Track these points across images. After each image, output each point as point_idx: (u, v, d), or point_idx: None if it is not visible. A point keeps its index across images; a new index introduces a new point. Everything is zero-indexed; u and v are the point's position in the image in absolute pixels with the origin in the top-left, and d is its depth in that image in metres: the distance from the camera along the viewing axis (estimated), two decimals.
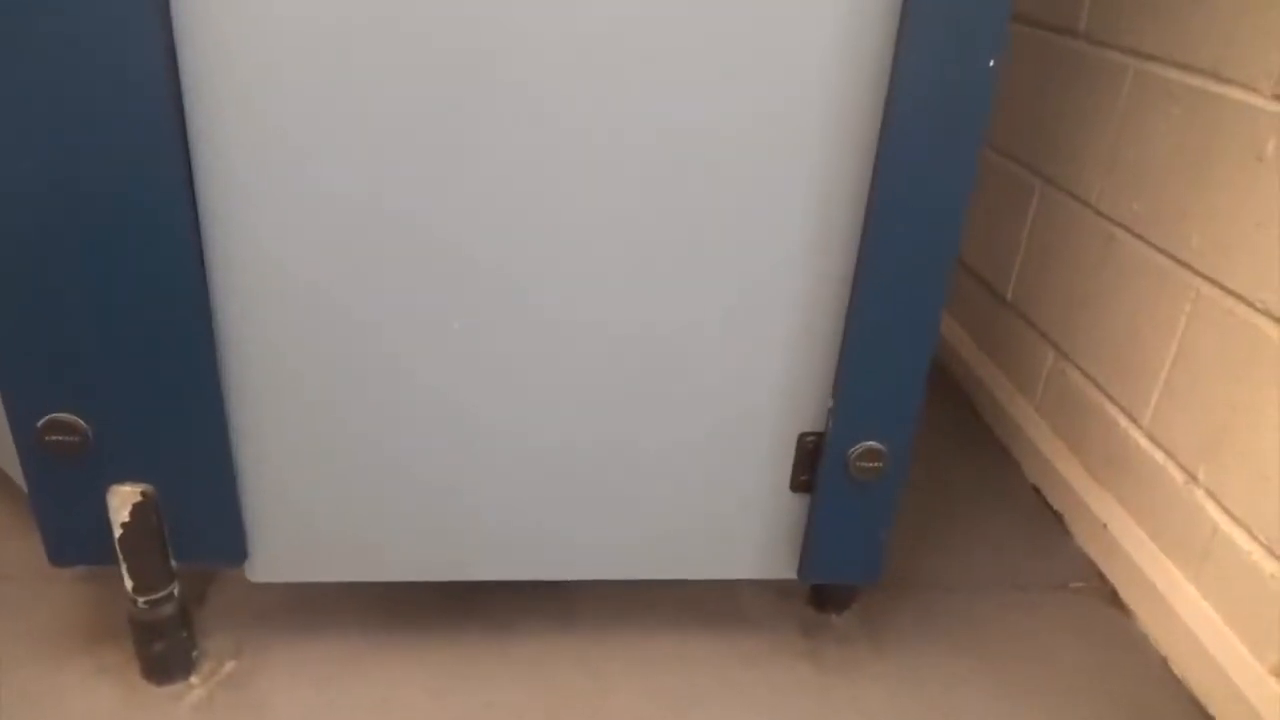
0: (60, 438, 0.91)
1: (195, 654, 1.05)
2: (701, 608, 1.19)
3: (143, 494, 0.94)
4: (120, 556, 0.96)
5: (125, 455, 0.93)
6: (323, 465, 0.99)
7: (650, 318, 0.95)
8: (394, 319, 0.92)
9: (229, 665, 1.06)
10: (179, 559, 0.99)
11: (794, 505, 1.07)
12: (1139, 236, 1.29)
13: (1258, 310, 1.08)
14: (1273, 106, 1.07)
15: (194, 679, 1.03)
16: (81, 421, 0.91)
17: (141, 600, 0.99)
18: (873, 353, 0.97)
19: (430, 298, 0.91)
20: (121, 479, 0.94)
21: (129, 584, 0.97)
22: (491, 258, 0.90)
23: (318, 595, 1.16)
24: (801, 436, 1.03)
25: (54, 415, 0.90)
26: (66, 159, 0.81)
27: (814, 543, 1.09)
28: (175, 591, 1.00)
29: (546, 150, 0.86)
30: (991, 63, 0.84)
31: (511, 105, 0.84)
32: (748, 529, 1.08)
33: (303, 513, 1.01)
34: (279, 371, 0.93)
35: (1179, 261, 1.21)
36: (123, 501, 0.93)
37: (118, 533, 0.94)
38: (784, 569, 1.10)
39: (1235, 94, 1.13)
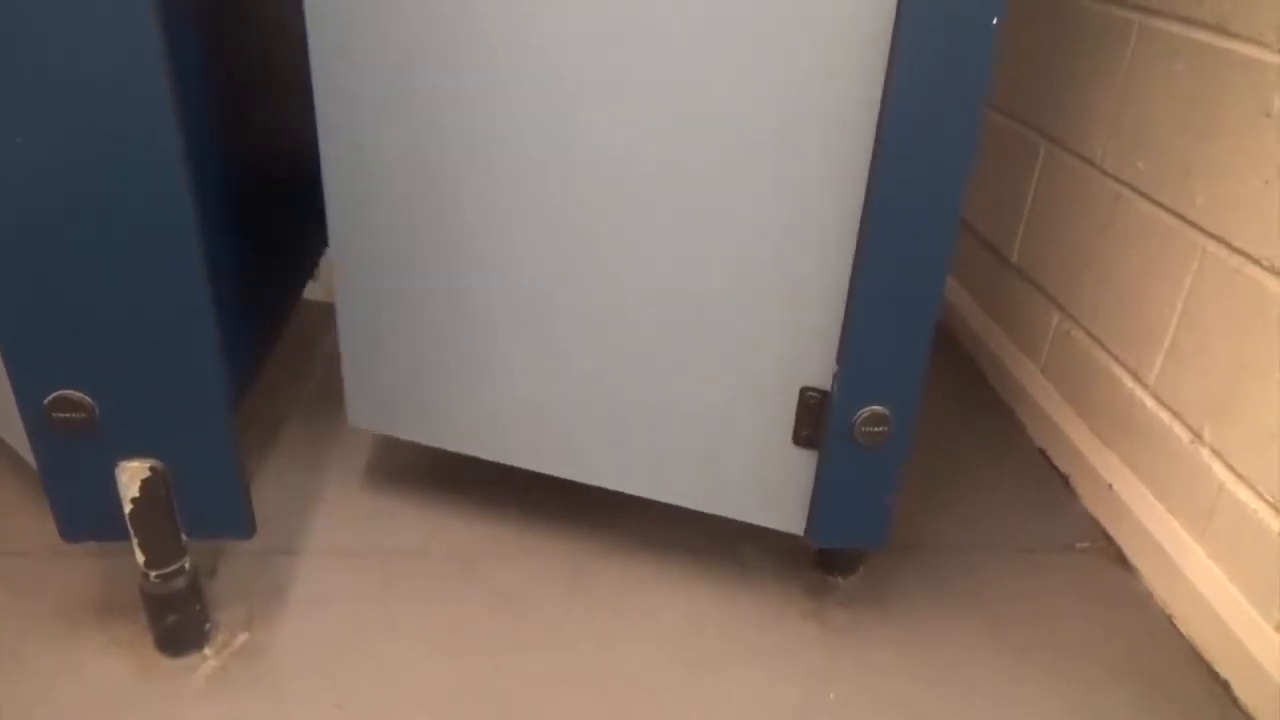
0: (67, 415, 0.91)
1: (208, 626, 1.06)
2: (710, 573, 1.20)
3: (151, 469, 0.94)
4: (131, 531, 0.96)
5: (133, 431, 0.94)
6: (404, 342, 1.14)
7: (675, 261, 1.02)
8: (474, 217, 1.05)
9: (241, 637, 1.07)
10: (189, 533, 1.00)
11: (798, 460, 1.07)
12: (1144, 195, 1.28)
13: (1264, 268, 1.08)
14: (1279, 60, 1.06)
15: (207, 651, 1.05)
16: (88, 398, 0.91)
17: (153, 574, 0.99)
18: (877, 317, 0.97)
19: (508, 203, 1.03)
20: (130, 454, 0.94)
21: (140, 558, 0.98)
22: (564, 193, 1.01)
23: (328, 567, 1.17)
24: (803, 390, 1.03)
25: (60, 392, 0.90)
26: (63, 132, 0.80)
27: (820, 507, 1.09)
28: (187, 565, 1.01)
29: (610, 86, 0.96)
30: (994, 21, 0.82)
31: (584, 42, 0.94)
32: (755, 475, 1.10)
33: (386, 382, 1.18)
34: (377, 254, 1.10)
35: (1185, 220, 1.20)
36: (132, 477, 0.94)
37: (128, 508, 0.95)
38: (790, 523, 1.10)
39: (1241, 48, 1.11)
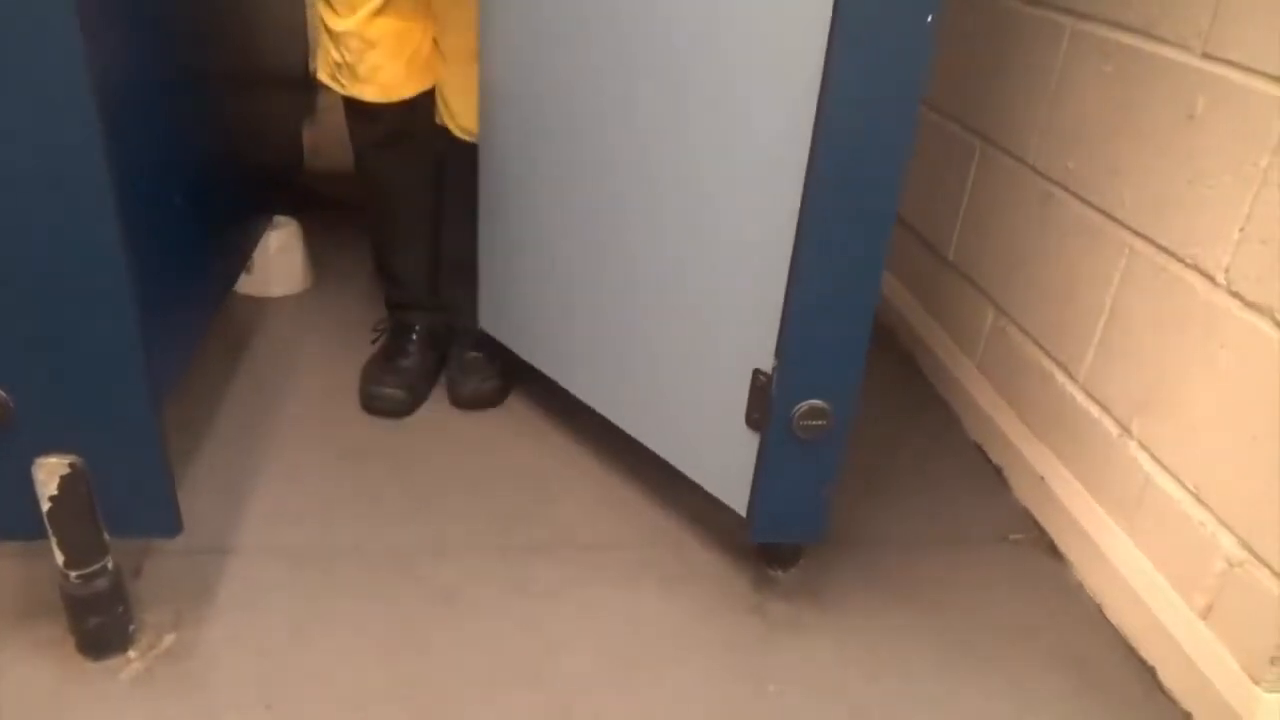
0: None
1: (132, 628, 1.02)
2: (653, 568, 1.20)
3: (70, 465, 0.91)
4: (50, 530, 0.93)
5: (50, 426, 0.90)
6: (517, 260, 1.36)
7: (672, 237, 1.13)
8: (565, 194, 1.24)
9: (168, 638, 1.03)
10: (112, 531, 0.96)
11: (748, 442, 1.08)
12: (1074, 194, 1.31)
13: (1187, 266, 1.11)
14: (1202, 65, 1.09)
15: (132, 653, 1.01)
16: (2, 393, 0.88)
17: (74, 575, 0.96)
18: (814, 312, 0.97)
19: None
20: (49, 450, 0.91)
21: (60, 558, 0.95)
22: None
23: (259, 566, 1.14)
24: (755, 373, 1.03)
25: None
26: None
27: (760, 502, 1.09)
28: (109, 565, 0.98)
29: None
30: (929, 19, 0.83)
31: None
32: (715, 446, 1.13)
33: (503, 291, 1.42)
34: (507, 181, 1.32)
35: (1112, 219, 1.24)
36: (50, 474, 0.90)
37: (46, 506, 0.91)
38: (739, 502, 1.12)
39: (1166, 52, 1.14)
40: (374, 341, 1.56)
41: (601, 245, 1.22)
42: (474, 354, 1.50)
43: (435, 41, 1.33)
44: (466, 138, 1.37)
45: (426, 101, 1.37)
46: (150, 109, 1.05)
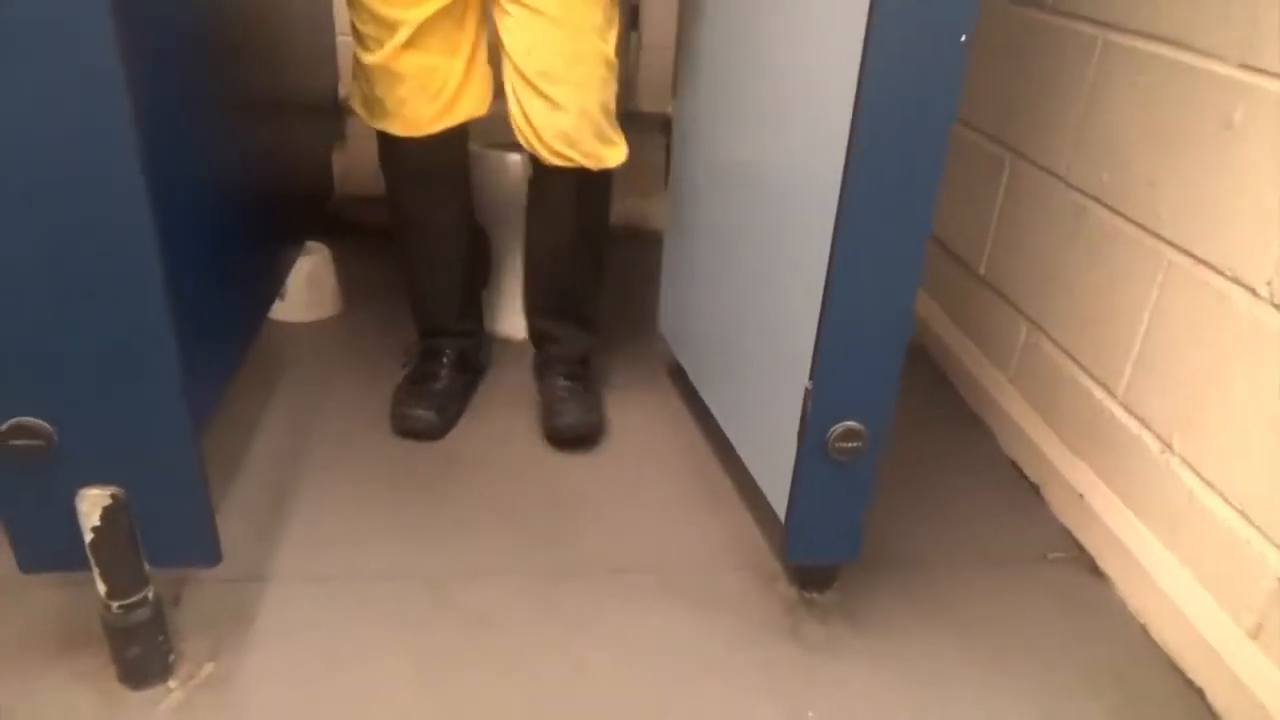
0: (24, 442, 0.89)
1: (172, 657, 1.03)
2: (684, 593, 1.19)
3: (112, 497, 0.91)
4: (92, 561, 0.94)
5: (92, 458, 0.91)
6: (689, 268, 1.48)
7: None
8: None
9: (207, 668, 1.04)
10: (152, 562, 0.97)
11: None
12: (1109, 208, 1.30)
13: (1228, 279, 1.09)
14: (1239, 75, 1.07)
15: (172, 683, 1.02)
16: (46, 425, 0.89)
17: (115, 605, 0.97)
18: (849, 334, 0.97)
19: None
20: (91, 481, 0.92)
21: (102, 589, 0.96)
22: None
23: (297, 594, 1.15)
24: (806, 391, 1.03)
25: (17, 420, 0.88)
26: (26, 153, 0.79)
27: (795, 523, 1.09)
28: (150, 595, 0.98)
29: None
30: (963, 38, 0.83)
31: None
32: (781, 461, 1.11)
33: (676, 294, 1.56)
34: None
35: (1149, 232, 1.22)
36: (92, 505, 0.91)
37: (88, 537, 0.92)
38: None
39: (1202, 63, 1.13)
40: (404, 366, 1.57)
41: (732, 248, 1.30)
42: (568, 383, 1.47)
43: (514, 69, 1.27)
44: (559, 161, 1.31)
45: (457, 137, 1.36)
46: (188, 139, 1.07)
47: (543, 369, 1.53)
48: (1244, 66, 1.07)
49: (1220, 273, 1.10)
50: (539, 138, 1.29)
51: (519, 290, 1.76)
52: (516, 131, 1.32)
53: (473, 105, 1.33)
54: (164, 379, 0.90)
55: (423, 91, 1.28)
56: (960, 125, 1.69)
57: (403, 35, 1.23)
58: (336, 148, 2.08)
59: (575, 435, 1.44)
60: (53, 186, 0.80)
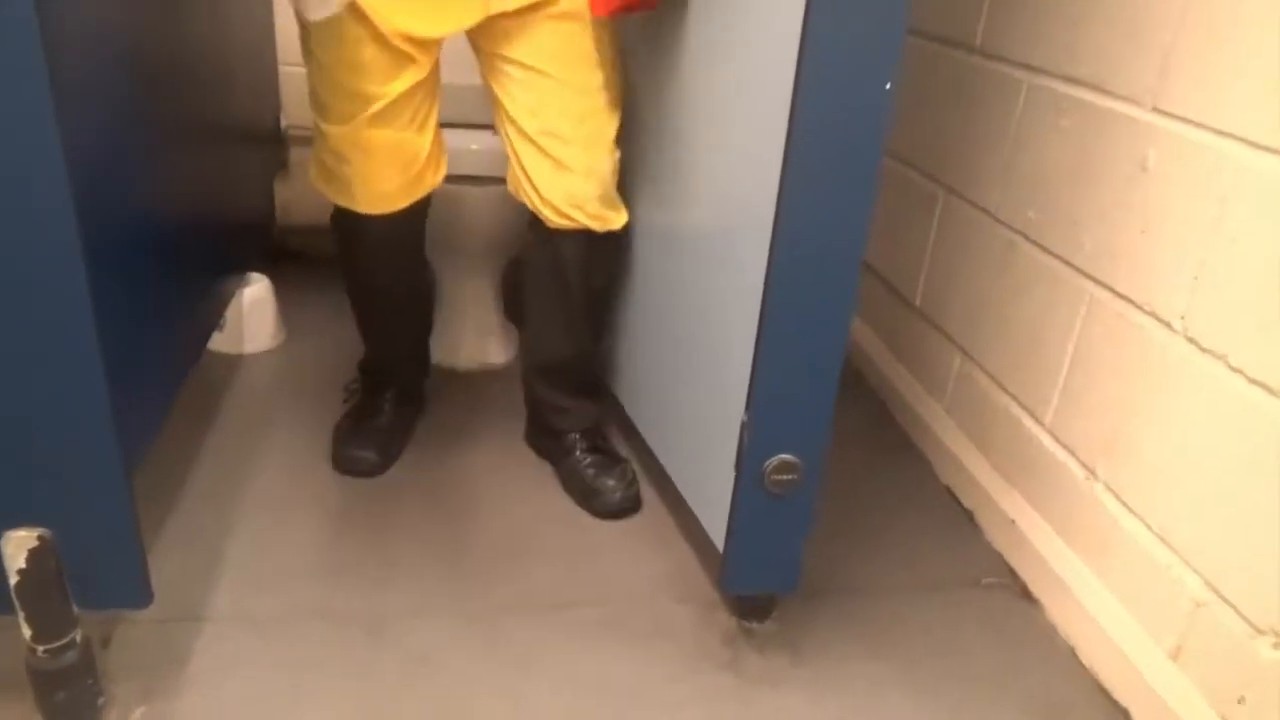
0: None
1: (101, 701, 1.01)
2: (625, 627, 1.19)
3: (39, 539, 0.90)
4: (17, 605, 0.92)
5: (19, 497, 0.89)
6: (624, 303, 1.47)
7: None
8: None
9: (138, 712, 1.02)
10: (81, 604, 0.95)
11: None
12: (1035, 243, 1.34)
13: (1145, 313, 1.13)
14: (1152, 118, 1.12)
15: None
16: None
17: (41, 649, 0.94)
18: (783, 368, 0.99)
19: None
20: (16, 522, 0.90)
21: (27, 632, 0.93)
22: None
23: (232, 634, 1.13)
24: (743, 424, 1.04)
25: None
26: None
27: (733, 554, 1.10)
28: (77, 638, 0.96)
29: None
30: (888, 86, 0.86)
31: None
32: (718, 488, 1.12)
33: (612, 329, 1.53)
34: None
35: (1073, 267, 1.26)
36: (18, 547, 0.89)
37: (13, 580, 0.90)
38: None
39: (1118, 106, 1.18)
40: (345, 401, 1.56)
41: (667, 283, 1.32)
42: (595, 457, 1.42)
43: (517, 129, 1.24)
44: (564, 223, 1.27)
45: (419, 206, 1.32)
46: (121, 168, 1.05)
47: (552, 442, 1.47)
48: (1156, 110, 1.12)
49: (1139, 307, 1.15)
50: (543, 199, 1.26)
51: (463, 320, 1.76)
52: (518, 192, 1.29)
53: (435, 176, 1.30)
54: (94, 416, 0.88)
55: (391, 165, 1.23)
56: (895, 161, 1.74)
57: (374, 109, 1.18)
58: (279, 177, 2.07)
59: (622, 513, 1.39)
60: None
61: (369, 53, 1.15)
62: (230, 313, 1.72)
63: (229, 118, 1.67)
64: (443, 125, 1.60)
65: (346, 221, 1.31)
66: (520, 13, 1.17)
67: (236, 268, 1.73)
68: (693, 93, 1.17)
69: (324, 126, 1.22)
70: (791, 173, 0.91)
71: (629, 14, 1.16)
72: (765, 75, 0.95)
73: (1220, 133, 1.03)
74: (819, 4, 0.84)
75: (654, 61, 1.27)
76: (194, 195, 1.41)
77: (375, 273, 1.39)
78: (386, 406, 1.49)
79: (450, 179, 1.57)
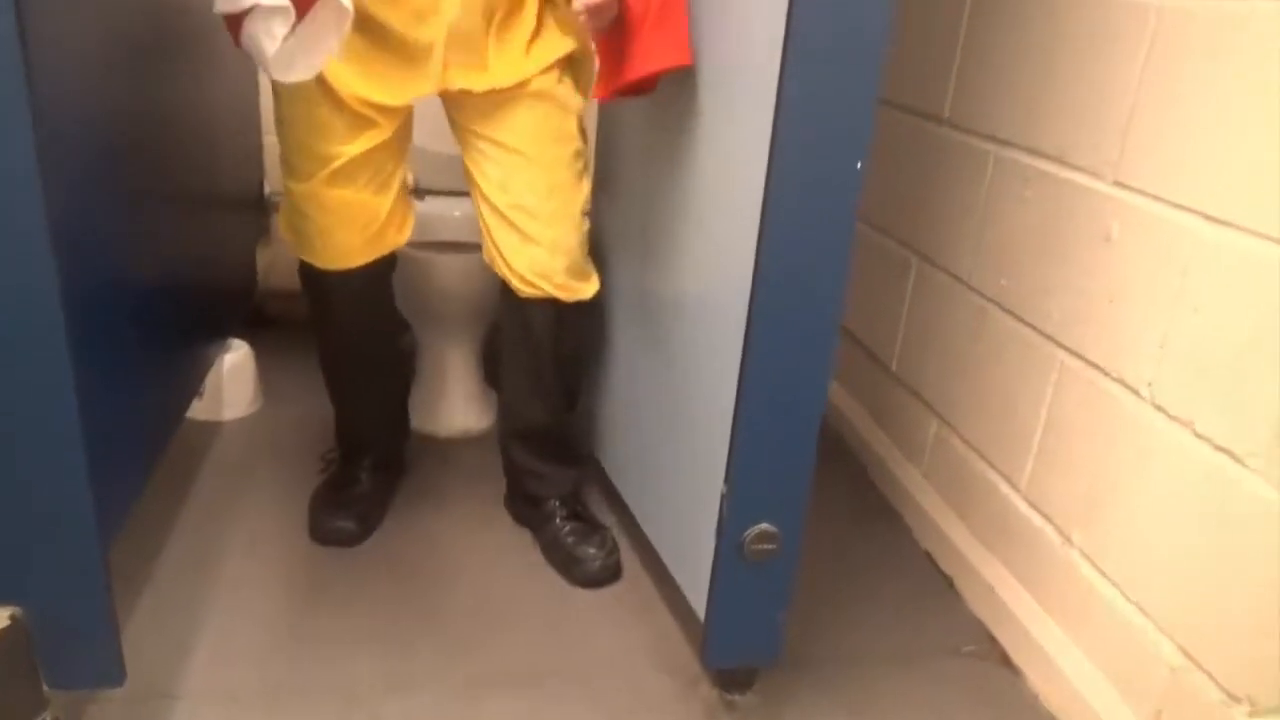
0: None
1: None
2: (605, 699, 1.18)
3: (11, 618, 0.89)
4: None
5: None
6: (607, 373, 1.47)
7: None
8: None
9: None
10: (52, 683, 0.94)
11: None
12: (1007, 311, 1.37)
13: (1114, 380, 1.16)
14: (1114, 191, 1.16)
15: None
16: None
17: None
18: (761, 440, 1.00)
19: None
20: None
21: None
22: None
23: (208, 713, 1.11)
24: (723, 495, 1.05)
25: None
26: None
27: (715, 626, 1.10)
28: (48, 718, 0.95)
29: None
30: (859, 165, 0.89)
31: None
32: (701, 555, 1.11)
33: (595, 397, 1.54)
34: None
35: (1043, 334, 1.29)
36: None
37: None
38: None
39: (1080, 179, 1.22)
40: (322, 470, 1.55)
41: (648, 355, 1.33)
42: (574, 524, 1.42)
43: (488, 203, 1.27)
44: (532, 292, 1.29)
45: (383, 264, 1.34)
46: (106, 235, 1.05)
47: (531, 510, 1.47)
48: (1117, 184, 1.15)
49: (1107, 374, 1.17)
50: (511, 269, 1.29)
51: (444, 386, 1.77)
52: (491, 261, 1.32)
53: (397, 235, 1.33)
54: (72, 494, 0.88)
55: (351, 224, 1.27)
56: (870, 228, 1.77)
57: (332, 167, 1.22)
58: (261, 243, 2.09)
59: (603, 581, 1.39)
60: None
61: (327, 114, 1.20)
62: (210, 379, 1.71)
63: (213, 185, 1.69)
64: (426, 192, 1.62)
65: (312, 275, 1.34)
66: (488, 92, 1.21)
67: (217, 334, 1.74)
68: (673, 164, 1.20)
69: (288, 183, 1.27)
70: (767, 244, 0.93)
71: (627, 98, 1.18)
72: (742, 151, 0.97)
73: (1179, 206, 1.06)
74: (793, 86, 0.87)
75: (637, 132, 1.31)
76: (178, 263, 1.42)
77: (342, 330, 1.40)
78: (363, 475, 1.48)
79: (431, 245, 1.60)
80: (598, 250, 1.41)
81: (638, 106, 1.27)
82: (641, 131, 1.30)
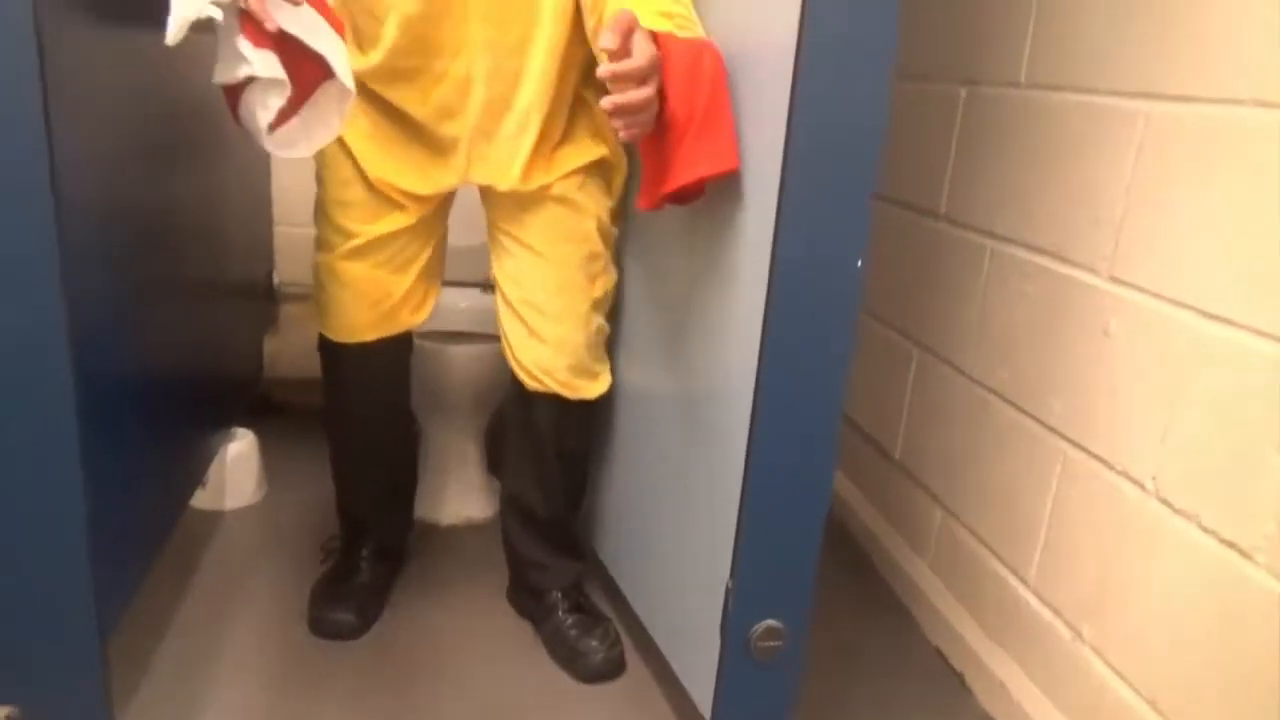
0: None
1: None
2: None
3: (6, 717, 0.87)
4: None
5: None
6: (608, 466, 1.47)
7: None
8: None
9: None
10: None
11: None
12: (1009, 402, 1.38)
13: (1118, 473, 1.16)
14: (1111, 287, 1.18)
15: None
16: None
17: None
18: (767, 534, 1.00)
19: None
20: None
21: None
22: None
23: None
24: (728, 589, 1.04)
25: None
26: None
27: None
28: None
29: None
30: (859, 264, 0.91)
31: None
32: (705, 649, 1.10)
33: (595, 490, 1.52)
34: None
35: (1046, 426, 1.30)
36: None
37: None
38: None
39: (1077, 274, 1.24)
40: (324, 561, 1.54)
41: (650, 447, 1.33)
42: (576, 616, 1.40)
43: (502, 294, 1.31)
44: (537, 386, 1.31)
45: (396, 345, 1.36)
46: (119, 326, 1.07)
47: (534, 602, 1.45)
48: (1114, 280, 1.18)
49: (1111, 467, 1.17)
50: (519, 362, 1.31)
51: (446, 475, 1.77)
52: (504, 349, 1.34)
53: (412, 316, 1.34)
54: (73, 592, 0.88)
55: (362, 299, 1.30)
56: (871, 319, 1.80)
57: (352, 244, 1.26)
58: (269, 333, 2.11)
59: (606, 675, 1.36)
60: None
61: (355, 193, 1.25)
62: (213, 468, 1.71)
63: (223, 275, 1.72)
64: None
65: (327, 346, 1.36)
66: (511, 191, 1.24)
67: (223, 423, 1.74)
68: (675, 260, 1.23)
69: (315, 252, 1.31)
70: (771, 343, 0.95)
71: (675, 205, 1.12)
72: (745, 247, 1.00)
73: (1176, 303, 1.08)
74: (794, 185, 0.89)
75: (645, 237, 1.33)
76: (186, 352, 1.43)
77: (351, 405, 1.41)
78: (364, 564, 1.47)
79: (435, 336, 1.62)
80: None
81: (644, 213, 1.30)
82: (642, 229, 1.33)
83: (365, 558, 1.48)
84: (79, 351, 0.85)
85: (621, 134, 0.97)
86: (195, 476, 1.59)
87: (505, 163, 1.22)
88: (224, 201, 1.64)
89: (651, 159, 1.06)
